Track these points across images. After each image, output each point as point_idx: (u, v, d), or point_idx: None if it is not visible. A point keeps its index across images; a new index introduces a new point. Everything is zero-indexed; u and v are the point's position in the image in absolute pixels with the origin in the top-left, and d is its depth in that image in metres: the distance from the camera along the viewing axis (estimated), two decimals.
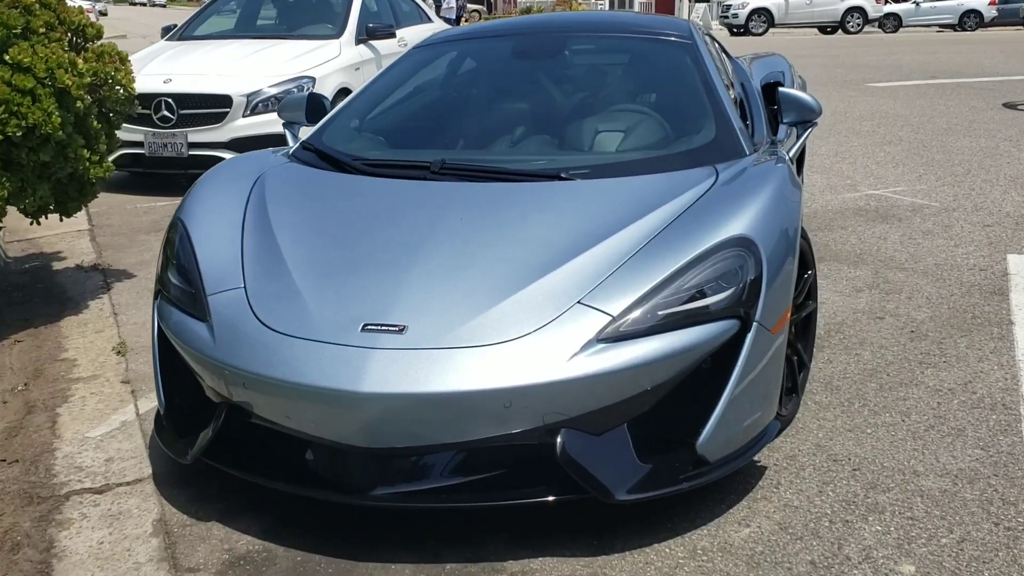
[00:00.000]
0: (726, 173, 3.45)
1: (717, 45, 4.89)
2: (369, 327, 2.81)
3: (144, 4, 75.30)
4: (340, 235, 3.27)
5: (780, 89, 4.00)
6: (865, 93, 13.47)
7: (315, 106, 4.42)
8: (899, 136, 9.77)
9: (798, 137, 4.17)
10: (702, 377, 2.89)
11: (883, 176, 7.83)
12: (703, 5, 39.30)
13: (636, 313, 2.82)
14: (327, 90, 8.00)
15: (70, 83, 4.50)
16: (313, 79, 8.03)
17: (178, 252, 3.31)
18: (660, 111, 4.04)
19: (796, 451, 3.38)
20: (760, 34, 31.44)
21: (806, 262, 3.64)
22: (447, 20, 32.88)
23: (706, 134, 3.81)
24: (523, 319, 2.81)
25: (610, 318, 2.80)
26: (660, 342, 2.80)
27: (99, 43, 5.05)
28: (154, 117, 7.62)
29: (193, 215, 3.46)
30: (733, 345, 2.91)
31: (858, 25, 32.18)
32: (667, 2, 39.90)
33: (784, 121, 4.04)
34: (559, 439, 2.73)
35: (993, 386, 3.86)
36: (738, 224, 3.08)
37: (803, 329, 3.71)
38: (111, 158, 7.72)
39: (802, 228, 3.64)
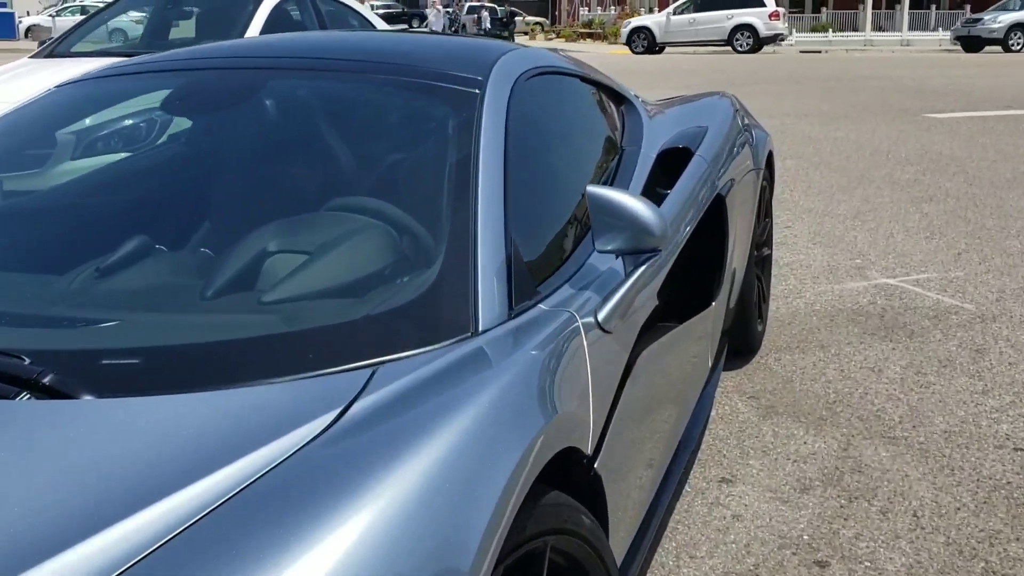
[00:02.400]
0: (380, 394, 1.57)
1: (566, 86, 2.98)
2: None
3: None
4: None
5: (590, 189, 2.10)
6: (919, 126, 11.34)
7: None
8: (946, 189, 7.71)
9: (627, 274, 2.20)
10: None
11: (908, 254, 5.82)
12: None
13: None
14: None
15: None
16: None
17: None
18: (380, 223, 2.18)
19: None
20: (641, 52, 30.28)
21: None
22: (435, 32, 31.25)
23: (425, 278, 1.95)
24: None
25: None
26: None
27: None
28: None
29: None
30: None
31: (747, 44, 30.19)
32: None
33: (598, 247, 2.13)
34: None
35: None
36: None
37: None
38: None
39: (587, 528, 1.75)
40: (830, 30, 37.31)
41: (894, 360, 4.15)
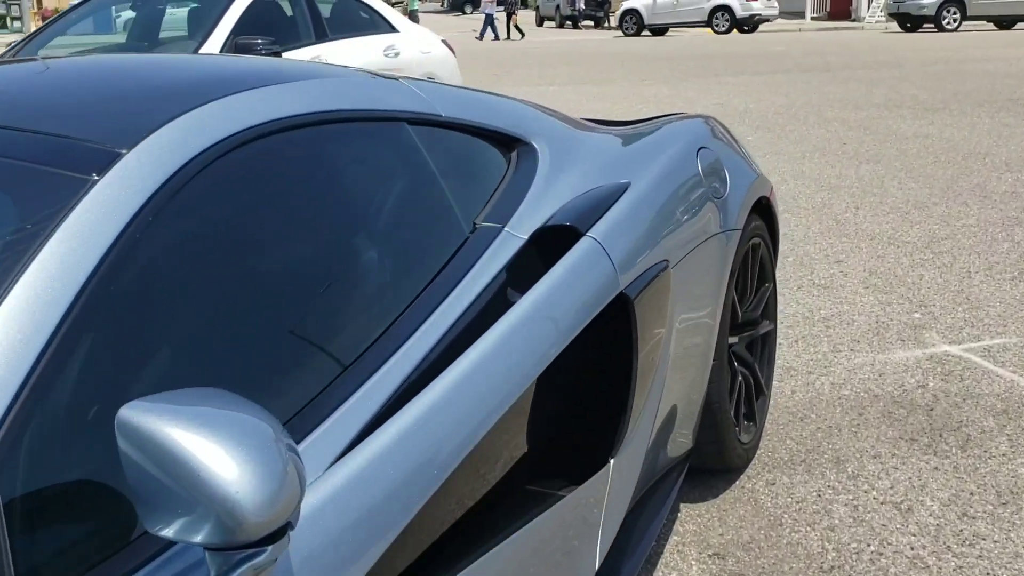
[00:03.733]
0: None
1: (357, 147, 1.94)
2: None
3: None
4: None
5: (123, 414, 1.06)
6: None
7: None
8: None
9: None
10: None
11: (984, 304, 4.57)
12: None
13: None
14: None
15: None
16: None
17: None
18: None
19: None
20: (633, 34, 30.65)
21: None
22: (487, 15, 30.05)
23: None
24: None
25: None
26: None
27: None
28: None
29: None
30: None
31: (725, 24, 30.33)
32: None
33: (147, 528, 1.08)
34: None
35: None
36: None
37: None
38: None
39: None
40: None
41: (934, 488, 2.98)
